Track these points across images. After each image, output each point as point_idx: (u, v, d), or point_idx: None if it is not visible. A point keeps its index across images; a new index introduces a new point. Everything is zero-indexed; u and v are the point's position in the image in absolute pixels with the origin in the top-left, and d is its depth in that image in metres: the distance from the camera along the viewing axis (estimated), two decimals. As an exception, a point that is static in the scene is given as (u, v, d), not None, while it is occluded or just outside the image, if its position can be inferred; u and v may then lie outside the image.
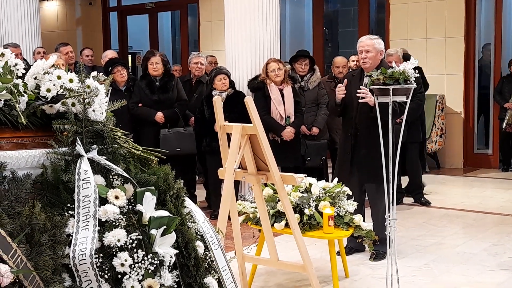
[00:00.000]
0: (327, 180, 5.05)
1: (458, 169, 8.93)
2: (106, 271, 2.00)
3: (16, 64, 2.31)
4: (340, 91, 4.68)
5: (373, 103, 4.40)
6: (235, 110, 5.80)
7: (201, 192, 7.04)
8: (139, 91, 6.41)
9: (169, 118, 6.35)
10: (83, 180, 2.09)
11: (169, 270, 2.13)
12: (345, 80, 4.76)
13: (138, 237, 2.07)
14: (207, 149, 6.20)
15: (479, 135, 9.52)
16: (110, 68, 6.48)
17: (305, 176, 4.17)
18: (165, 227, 2.13)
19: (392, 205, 3.64)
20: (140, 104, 6.38)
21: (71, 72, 2.30)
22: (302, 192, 4.18)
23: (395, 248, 3.68)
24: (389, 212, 3.65)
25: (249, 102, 3.59)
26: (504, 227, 5.80)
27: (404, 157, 7.01)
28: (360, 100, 4.52)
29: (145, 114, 6.36)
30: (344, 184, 4.33)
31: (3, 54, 2.29)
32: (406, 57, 6.35)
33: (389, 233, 3.64)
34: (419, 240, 5.40)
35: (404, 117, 3.83)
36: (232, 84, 6.23)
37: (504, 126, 8.52)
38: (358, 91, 4.50)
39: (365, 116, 4.61)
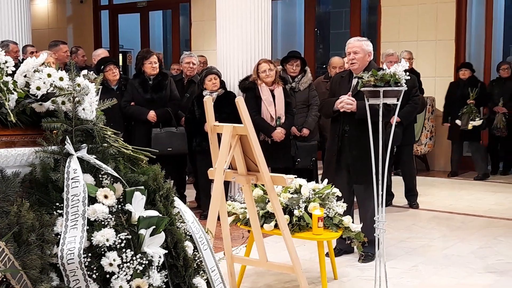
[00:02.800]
0: (317, 181, 5.06)
1: (447, 171, 8.96)
2: (94, 271, 1.99)
3: (5, 62, 2.30)
4: (350, 105, 4.62)
5: (354, 108, 4.54)
6: (226, 111, 5.80)
7: (191, 192, 7.03)
8: (132, 89, 6.39)
9: (162, 117, 6.34)
10: (72, 179, 2.08)
11: (158, 270, 2.12)
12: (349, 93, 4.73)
13: (127, 236, 2.06)
14: (197, 149, 6.19)
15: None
16: (102, 67, 6.46)
17: (295, 177, 4.18)
18: (154, 227, 2.13)
19: (381, 206, 3.65)
20: (132, 103, 6.37)
21: (61, 70, 2.29)
22: (292, 193, 4.19)
23: (384, 250, 3.69)
24: (377, 214, 3.66)
25: (240, 102, 3.59)
26: (492, 230, 5.84)
27: (398, 160, 7.05)
28: (341, 110, 4.60)
29: (138, 113, 6.35)
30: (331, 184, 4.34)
31: (-8, 52, 2.28)
32: None
33: (378, 235, 3.65)
34: (407, 242, 5.42)
35: (395, 119, 3.84)
36: (222, 84, 6.23)
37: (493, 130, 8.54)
38: (346, 101, 4.56)
39: (353, 118, 4.63)
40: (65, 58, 7.26)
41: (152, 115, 6.28)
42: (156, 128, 6.30)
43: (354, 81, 4.67)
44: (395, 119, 3.84)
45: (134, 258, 2.04)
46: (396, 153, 6.96)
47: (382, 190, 3.65)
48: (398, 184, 7.02)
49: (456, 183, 8.38)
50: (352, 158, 4.69)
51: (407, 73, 3.55)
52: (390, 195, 6.85)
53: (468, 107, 8.28)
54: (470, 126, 8.30)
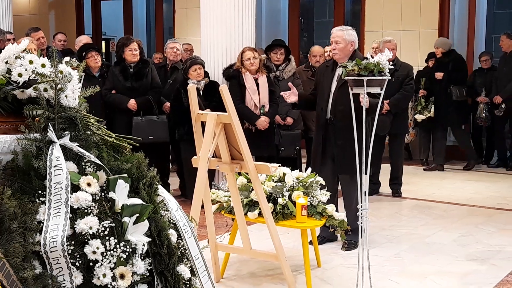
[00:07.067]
0: (300, 170, 5.07)
1: (430, 160, 9.02)
2: (77, 259, 1.99)
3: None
4: (288, 98, 4.78)
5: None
6: (215, 99, 5.78)
7: (174, 180, 7.02)
8: (113, 77, 6.34)
9: (142, 106, 6.30)
10: (55, 166, 2.06)
11: (142, 258, 2.12)
12: (290, 83, 4.88)
13: (111, 224, 2.05)
14: (186, 138, 6.15)
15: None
16: (83, 54, 6.40)
17: (279, 166, 4.19)
18: (138, 215, 2.12)
19: (365, 195, 3.67)
20: (113, 91, 6.32)
21: (43, 57, 2.27)
22: (275, 182, 4.19)
23: (367, 238, 3.72)
24: (361, 202, 3.68)
25: (224, 90, 3.58)
26: (473, 218, 5.91)
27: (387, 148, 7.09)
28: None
29: (118, 101, 6.30)
30: (317, 174, 4.35)
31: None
32: None
33: (361, 223, 3.68)
34: (390, 230, 5.46)
35: (378, 108, 3.85)
36: (206, 74, 6.20)
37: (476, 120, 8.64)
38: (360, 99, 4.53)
39: (339, 108, 4.64)
40: (38, 46, 7.15)
41: (132, 103, 6.23)
42: (137, 117, 6.26)
43: (339, 70, 4.67)
44: (378, 108, 3.84)
45: (117, 246, 2.04)
46: (388, 142, 7.01)
47: (366, 179, 3.67)
48: (382, 173, 7.05)
49: (439, 172, 8.44)
50: (337, 148, 4.71)
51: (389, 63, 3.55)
52: (376, 184, 6.87)
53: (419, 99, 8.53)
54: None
